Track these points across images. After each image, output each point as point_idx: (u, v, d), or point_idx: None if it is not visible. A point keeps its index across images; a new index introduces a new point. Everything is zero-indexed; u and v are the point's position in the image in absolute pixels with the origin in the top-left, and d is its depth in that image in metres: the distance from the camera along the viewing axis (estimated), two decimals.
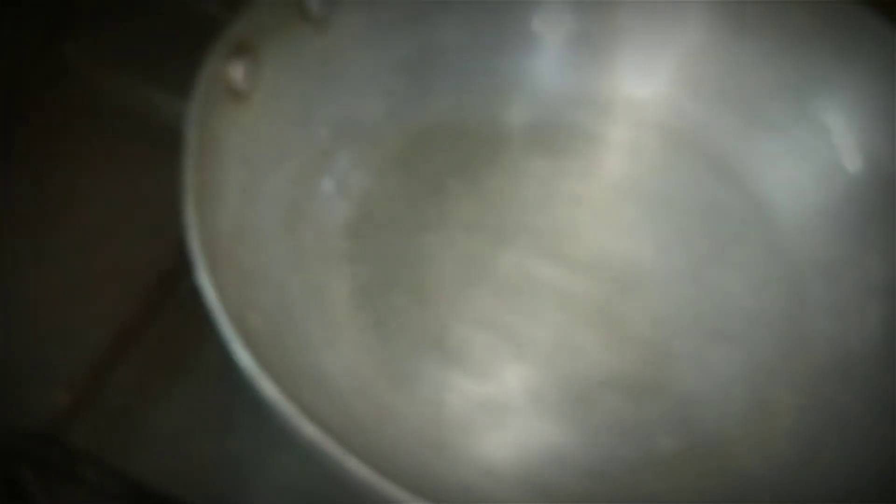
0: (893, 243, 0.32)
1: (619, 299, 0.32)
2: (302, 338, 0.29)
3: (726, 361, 0.31)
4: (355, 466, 0.21)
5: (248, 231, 0.29)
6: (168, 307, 0.32)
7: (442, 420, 0.29)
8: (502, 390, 0.30)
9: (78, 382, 0.30)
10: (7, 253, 0.35)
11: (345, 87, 0.34)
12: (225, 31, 0.29)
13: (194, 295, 0.33)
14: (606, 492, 0.28)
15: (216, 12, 0.35)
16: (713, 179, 0.36)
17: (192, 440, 0.31)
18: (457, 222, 0.34)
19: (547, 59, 0.37)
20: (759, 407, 0.31)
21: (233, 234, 0.28)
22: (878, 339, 0.31)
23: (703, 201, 0.35)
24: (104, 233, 0.36)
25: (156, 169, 0.37)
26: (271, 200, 0.31)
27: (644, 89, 0.37)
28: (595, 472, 0.28)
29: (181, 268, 0.33)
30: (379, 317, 0.31)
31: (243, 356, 0.23)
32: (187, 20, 0.36)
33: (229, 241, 0.27)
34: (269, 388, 0.22)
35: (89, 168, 0.37)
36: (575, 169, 0.36)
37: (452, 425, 0.29)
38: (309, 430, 0.22)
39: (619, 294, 0.32)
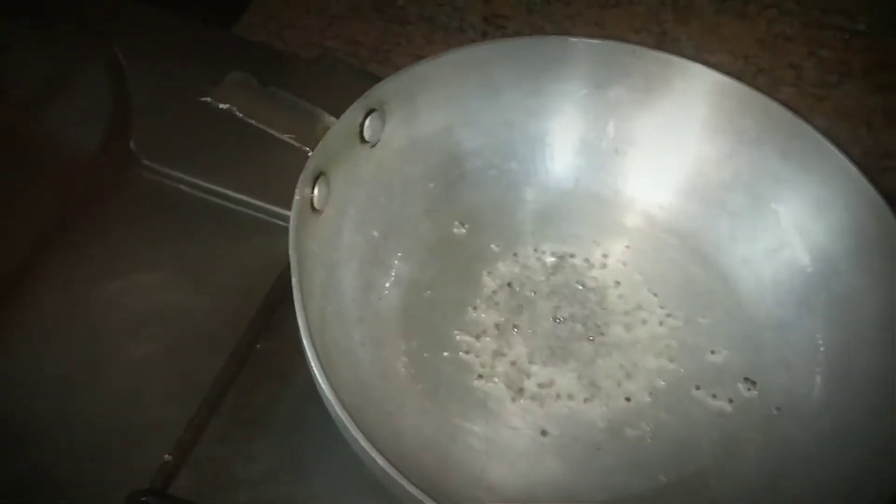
0: (832, 311, 0.40)
1: (609, 360, 0.41)
2: (377, 406, 0.36)
3: (703, 409, 0.40)
4: None
5: (328, 318, 0.36)
6: (244, 371, 0.39)
7: (489, 466, 0.37)
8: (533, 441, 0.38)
9: (179, 441, 0.36)
10: (111, 331, 0.42)
11: (391, 193, 0.42)
12: (308, 163, 0.36)
13: (265, 360, 0.40)
14: None
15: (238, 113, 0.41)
16: (688, 257, 0.44)
17: (270, 484, 0.38)
18: (486, 303, 0.42)
19: (554, 164, 0.45)
20: (730, 446, 0.39)
21: (318, 325, 0.35)
22: (820, 389, 0.39)
23: (682, 275, 0.44)
24: (187, 308, 0.43)
25: (217, 247, 0.44)
26: (342, 293, 0.38)
27: (630, 186, 0.45)
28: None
29: (253, 337, 0.40)
30: (432, 384, 0.38)
31: (350, 427, 0.30)
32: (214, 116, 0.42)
33: (318, 332, 0.35)
34: (374, 453, 0.29)
35: (157, 245, 0.44)
36: (579, 259, 0.44)
37: (498, 468, 0.37)
38: (406, 484, 0.29)
39: (608, 354, 0.41)
